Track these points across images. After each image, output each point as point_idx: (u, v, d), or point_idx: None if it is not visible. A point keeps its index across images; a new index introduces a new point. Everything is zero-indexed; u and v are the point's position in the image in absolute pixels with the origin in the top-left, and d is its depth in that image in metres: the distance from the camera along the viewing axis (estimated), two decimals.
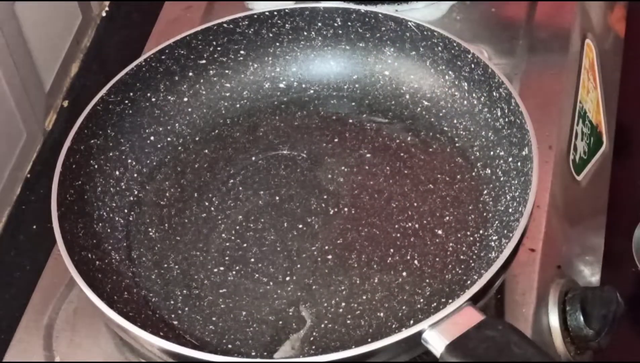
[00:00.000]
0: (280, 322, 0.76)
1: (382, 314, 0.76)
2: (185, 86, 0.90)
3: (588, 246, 0.96)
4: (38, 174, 1.06)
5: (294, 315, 0.77)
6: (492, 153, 0.83)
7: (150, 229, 0.83)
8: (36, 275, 0.85)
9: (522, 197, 0.77)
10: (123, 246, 0.82)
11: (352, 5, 0.89)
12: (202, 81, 0.91)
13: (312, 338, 0.75)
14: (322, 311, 0.77)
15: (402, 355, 0.71)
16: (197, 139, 0.89)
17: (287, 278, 0.79)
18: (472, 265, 0.78)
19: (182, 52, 0.89)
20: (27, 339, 0.81)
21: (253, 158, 0.87)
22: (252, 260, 0.80)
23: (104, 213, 0.83)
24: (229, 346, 0.76)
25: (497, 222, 0.80)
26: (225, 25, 0.90)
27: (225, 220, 0.83)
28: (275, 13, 0.90)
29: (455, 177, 0.84)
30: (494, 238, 0.79)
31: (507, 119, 0.82)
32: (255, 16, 0.90)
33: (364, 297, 0.77)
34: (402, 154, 0.86)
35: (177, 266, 0.80)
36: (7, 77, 1.01)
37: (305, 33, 0.91)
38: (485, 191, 0.82)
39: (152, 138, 0.88)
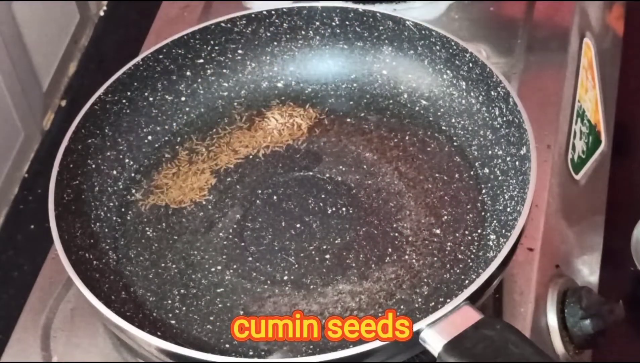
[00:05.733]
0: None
1: (380, 313, 0.76)
2: (183, 85, 0.90)
3: (586, 245, 0.96)
4: (36, 174, 1.06)
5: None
6: (490, 152, 0.83)
7: (147, 228, 0.83)
8: (34, 275, 0.85)
9: (520, 196, 0.77)
10: (120, 245, 0.82)
11: (350, 5, 0.89)
12: (199, 80, 0.91)
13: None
14: (320, 311, 0.77)
15: (400, 354, 0.71)
16: (194, 138, 0.89)
17: (285, 278, 0.79)
18: (470, 264, 0.78)
19: (179, 51, 0.89)
20: (25, 339, 0.81)
21: (251, 157, 0.87)
22: (250, 259, 0.80)
23: (102, 213, 0.83)
24: (227, 345, 0.75)
25: (495, 221, 0.80)
26: (222, 24, 0.90)
27: (223, 219, 0.83)
28: (273, 12, 0.90)
29: (454, 176, 0.84)
30: (492, 237, 0.79)
31: (505, 118, 0.82)
32: (253, 15, 0.90)
33: (362, 296, 0.77)
34: (400, 153, 0.86)
35: (174, 266, 0.80)
36: (5, 77, 1.01)
37: (303, 32, 0.91)
38: (483, 190, 0.82)
39: (149, 137, 0.88)
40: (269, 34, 0.91)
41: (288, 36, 0.91)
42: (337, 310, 0.77)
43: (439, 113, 0.88)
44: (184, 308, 0.78)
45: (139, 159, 0.87)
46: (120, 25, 1.18)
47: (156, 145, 0.88)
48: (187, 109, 0.90)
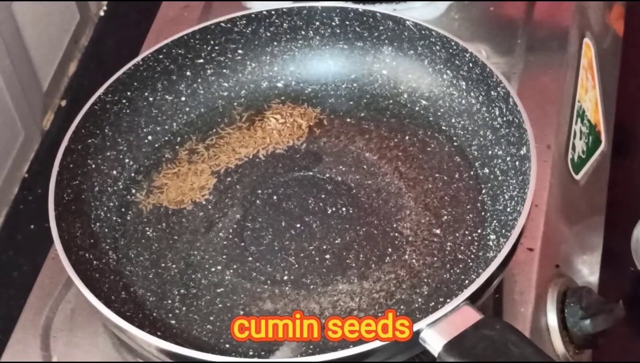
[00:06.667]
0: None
1: (380, 313, 0.76)
2: (182, 86, 0.90)
3: (586, 245, 0.96)
4: (36, 174, 1.06)
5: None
6: (490, 152, 0.83)
7: (147, 228, 0.83)
8: (34, 275, 0.85)
9: (520, 196, 0.77)
10: (120, 245, 0.82)
11: (350, 5, 0.89)
12: (199, 80, 0.91)
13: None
14: (320, 311, 0.77)
15: (400, 354, 0.71)
16: (194, 138, 0.89)
17: (285, 278, 0.79)
18: (470, 264, 0.78)
19: (179, 51, 0.89)
20: (25, 339, 0.81)
21: (251, 157, 0.87)
22: (250, 259, 0.80)
23: (102, 213, 0.83)
24: (227, 345, 0.76)
25: (495, 221, 0.80)
26: (222, 24, 0.90)
27: (223, 219, 0.83)
28: (273, 12, 0.90)
29: (454, 176, 0.84)
30: (492, 237, 0.79)
31: (505, 118, 0.82)
32: (253, 15, 0.90)
33: (362, 296, 0.77)
34: (400, 153, 0.86)
35: (174, 266, 0.80)
36: (5, 77, 1.01)
37: (303, 32, 0.91)
38: (483, 190, 0.82)
39: (149, 137, 0.88)
40: (269, 34, 0.91)
41: (288, 36, 0.91)
42: (337, 310, 0.77)
43: (439, 113, 0.88)
44: (184, 308, 0.78)
45: (139, 159, 0.87)
46: (121, 26, 1.18)
47: (156, 145, 0.88)
48: (187, 109, 0.90)
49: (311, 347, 0.75)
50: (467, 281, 0.77)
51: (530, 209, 0.74)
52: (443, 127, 0.87)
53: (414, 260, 0.79)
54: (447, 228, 0.81)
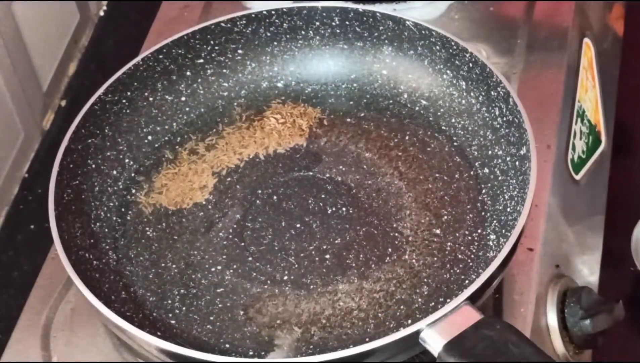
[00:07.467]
0: (278, 321, 0.76)
1: (380, 313, 0.76)
2: (182, 85, 0.90)
3: (586, 245, 0.96)
4: (36, 174, 1.06)
5: (291, 315, 0.77)
6: (490, 152, 0.83)
7: (147, 228, 0.83)
8: (34, 275, 0.85)
9: (520, 196, 0.77)
10: (120, 245, 0.82)
11: (350, 5, 0.89)
12: (199, 80, 0.91)
13: (309, 338, 0.75)
14: (320, 311, 0.77)
15: (400, 354, 0.71)
16: (194, 138, 0.89)
17: (285, 278, 0.79)
18: (470, 264, 0.78)
19: (179, 51, 0.89)
20: (25, 339, 0.81)
21: (251, 157, 0.87)
22: (250, 259, 0.80)
23: (102, 213, 0.83)
24: (227, 345, 0.76)
25: (495, 221, 0.80)
26: (223, 24, 0.90)
27: (223, 219, 0.83)
28: (273, 12, 0.90)
29: (454, 176, 0.84)
30: (492, 237, 0.79)
31: (505, 118, 0.82)
32: (253, 15, 0.90)
33: (362, 296, 0.77)
34: (400, 153, 0.86)
35: (174, 266, 0.80)
36: (5, 77, 1.01)
37: (303, 32, 0.91)
38: (483, 190, 0.82)
39: (149, 137, 0.88)
40: (269, 34, 0.91)
41: (288, 36, 0.91)
42: (337, 310, 0.77)
43: (439, 113, 0.88)
44: (184, 308, 0.78)
45: (139, 159, 0.87)
46: (121, 25, 1.18)
47: (156, 145, 0.88)
48: (187, 109, 0.90)
49: (311, 347, 0.75)
50: (467, 281, 0.77)
51: (530, 209, 0.74)
52: (443, 127, 0.87)
53: (414, 260, 0.79)
54: (447, 228, 0.81)
